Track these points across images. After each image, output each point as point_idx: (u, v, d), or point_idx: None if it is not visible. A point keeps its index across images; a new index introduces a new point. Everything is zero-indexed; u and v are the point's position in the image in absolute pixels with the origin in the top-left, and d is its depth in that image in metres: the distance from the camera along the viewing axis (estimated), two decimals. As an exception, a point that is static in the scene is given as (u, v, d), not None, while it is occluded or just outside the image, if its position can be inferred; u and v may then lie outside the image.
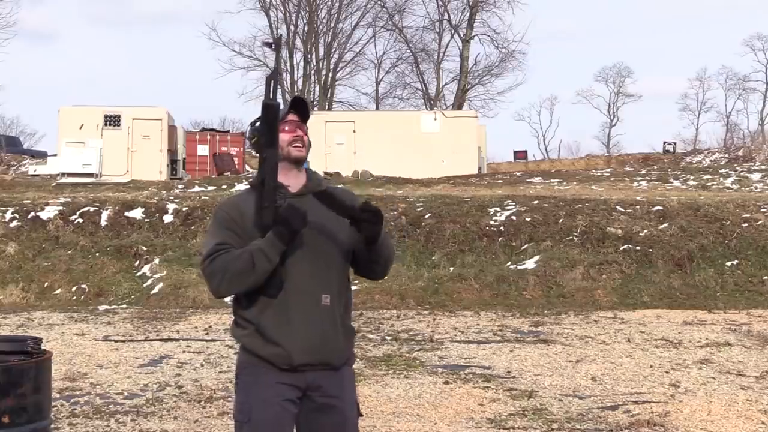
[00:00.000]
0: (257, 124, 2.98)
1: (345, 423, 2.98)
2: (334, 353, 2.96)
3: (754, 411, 6.15)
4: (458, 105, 41.39)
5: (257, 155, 2.98)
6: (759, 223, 14.58)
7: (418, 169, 23.94)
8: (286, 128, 2.97)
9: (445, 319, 11.11)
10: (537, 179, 23.15)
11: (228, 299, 3.07)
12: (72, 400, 6.50)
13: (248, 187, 3.05)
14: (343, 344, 3.00)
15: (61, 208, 15.77)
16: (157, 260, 13.99)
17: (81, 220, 15.42)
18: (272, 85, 2.93)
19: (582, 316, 11.24)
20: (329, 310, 2.95)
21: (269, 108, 2.89)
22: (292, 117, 3.00)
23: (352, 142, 25.76)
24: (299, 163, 3.01)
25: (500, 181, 23.11)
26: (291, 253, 2.89)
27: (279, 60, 3.08)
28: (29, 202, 16.21)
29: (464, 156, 25.72)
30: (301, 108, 3.03)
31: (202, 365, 7.93)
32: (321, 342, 2.92)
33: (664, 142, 39.56)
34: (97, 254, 14.25)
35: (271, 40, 2.81)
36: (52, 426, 4.42)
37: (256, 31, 57.35)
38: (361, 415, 3.10)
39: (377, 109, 43.67)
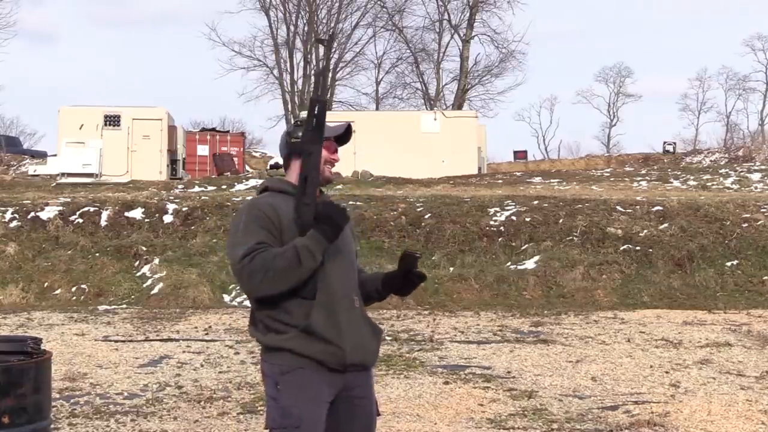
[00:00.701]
0: (296, 129, 2.98)
1: (372, 423, 3.04)
2: (372, 354, 3.01)
3: (754, 411, 6.15)
4: (458, 105, 41.35)
5: (297, 155, 2.95)
6: (759, 223, 14.58)
7: (418, 169, 23.93)
8: (329, 148, 3.00)
9: (445, 319, 11.11)
10: (537, 179, 23.15)
11: (245, 302, 3.07)
12: (72, 400, 6.50)
13: (269, 191, 3.02)
14: (376, 346, 3.04)
15: (61, 208, 15.77)
16: (157, 260, 13.98)
17: (81, 220, 15.41)
18: (321, 81, 2.92)
19: (582, 316, 11.24)
20: (360, 311, 3.00)
21: (318, 104, 2.89)
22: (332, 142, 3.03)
23: (352, 142, 25.63)
24: (327, 183, 3.04)
25: (500, 181, 23.11)
26: (327, 256, 2.88)
27: (329, 56, 3.11)
28: (29, 202, 16.20)
29: (464, 156, 25.71)
30: (348, 138, 3.09)
31: (202, 365, 7.93)
32: (362, 343, 2.95)
33: (664, 142, 39.56)
34: (97, 254, 14.25)
35: (324, 37, 2.87)
36: (52, 426, 4.42)
37: (256, 31, 57.39)
38: (379, 414, 3.12)
39: (377, 109, 43.60)
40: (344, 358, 2.89)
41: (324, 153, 2.97)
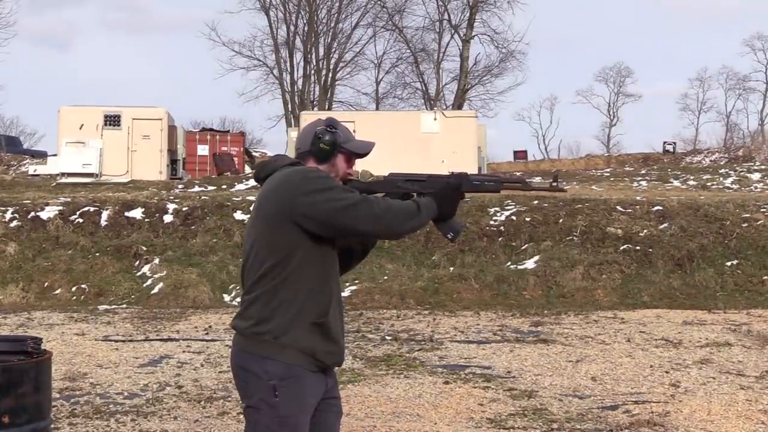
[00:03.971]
0: (328, 134, 2.96)
1: (340, 419, 3.07)
2: (344, 353, 3.03)
3: (754, 411, 6.15)
4: (458, 105, 41.34)
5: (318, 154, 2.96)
6: (759, 223, 14.58)
7: (418, 169, 23.58)
8: (349, 163, 3.05)
9: (445, 319, 11.11)
10: (537, 179, 23.15)
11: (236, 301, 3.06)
12: (72, 400, 6.50)
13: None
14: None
15: (61, 208, 15.77)
16: (157, 260, 13.99)
17: (81, 220, 15.41)
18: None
19: (582, 316, 11.24)
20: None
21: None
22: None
23: (352, 142, 25.65)
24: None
25: (500, 181, 23.06)
26: (332, 250, 2.90)
27: None
28: (29, 202, 16.20)
29: (464, 156, 25.67)
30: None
31: (202, 365, 7.93)
32: (343, 343, 2.98)
33: (664, 142, 39.55)
34: (97, 254, 14.25)
35: None
36: (52, 426, 4.42)
37: (256, 31, 57.40)
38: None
39: (377, 109, 43.60)
40: (341, 356, 2.93)
41: (343, 167, 3.01)
